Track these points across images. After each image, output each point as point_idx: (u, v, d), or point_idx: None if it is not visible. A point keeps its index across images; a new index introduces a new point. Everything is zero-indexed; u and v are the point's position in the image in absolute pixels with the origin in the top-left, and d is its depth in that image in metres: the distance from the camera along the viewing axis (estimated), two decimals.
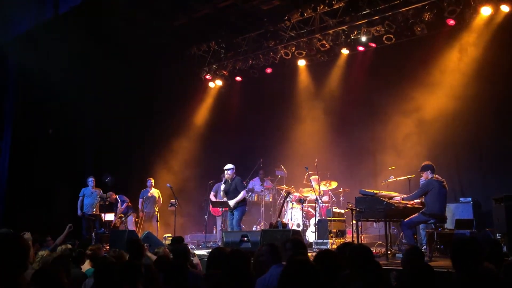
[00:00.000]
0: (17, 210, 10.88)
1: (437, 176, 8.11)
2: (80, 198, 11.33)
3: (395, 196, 8.28)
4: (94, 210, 11.36)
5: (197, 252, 8.20)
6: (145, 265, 4.17)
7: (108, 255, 6.14)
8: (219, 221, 11.39)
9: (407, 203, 8.19)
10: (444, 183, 8.01)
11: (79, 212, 11.29)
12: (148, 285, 3.85)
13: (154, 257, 6.38)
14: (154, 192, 11.98)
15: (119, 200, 11.77)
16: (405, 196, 8.35)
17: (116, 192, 11.79)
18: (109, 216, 11.82)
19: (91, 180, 11.44)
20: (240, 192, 9.79)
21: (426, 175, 8.17)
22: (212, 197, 11.21)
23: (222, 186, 10.11)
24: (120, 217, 11.76)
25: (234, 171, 10.01)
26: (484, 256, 3.65)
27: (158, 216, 11.78)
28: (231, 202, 9.75)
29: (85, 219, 11.29)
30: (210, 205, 11.31)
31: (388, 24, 10.36)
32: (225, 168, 10.00)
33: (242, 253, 3.98)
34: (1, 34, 11.25)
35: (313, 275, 3.02)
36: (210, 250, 9.12)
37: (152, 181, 12.01)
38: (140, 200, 11.97)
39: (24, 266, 2.91)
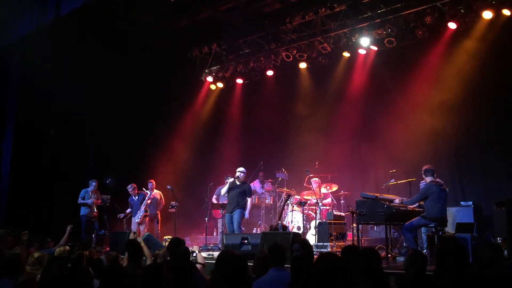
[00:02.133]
0: (18, 210, 10.87)
1: (436, 179, 8.11)
2: (80, 199, 11.33)
3: (395, 199, 8.28)
4: (94, 212, 11.36)
5: None
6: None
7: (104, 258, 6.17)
8: (220, 223, 11.38)
9: (407, 206, 8.19)
10: (444, 186, 8.01)
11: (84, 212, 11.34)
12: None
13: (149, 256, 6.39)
14: (156, 194, 11.96)
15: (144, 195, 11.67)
16: (405, 199, 8.35)
17: (122, 192, 11.78)
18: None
19: (93, 184, 11.45)
20: (246, 197, 9.88)
21: (428, 179, 8.17)
22: (214, 200, 11.24)
23: (231, 179, 10.05)
24: (145, 216, 11.61)
25: (245, 175, 10.04)
26: (468, 260, 3.63)
27: (160, 217, 11.75)
28: (246, 214, 9.93)
29: (84, 221, 11.28)
30: (210, 207, 11.32)
31: (389, 27, 10.37)
32: (239, 169, 10.05)
33: (237, 257, 3.96)
34: (3, 36, 11.27)
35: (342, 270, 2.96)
36: (210, 252, 9.18)
37: (153, 183, 12.00)
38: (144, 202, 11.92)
39: None
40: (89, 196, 11.36)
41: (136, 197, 11.69)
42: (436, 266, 3.59)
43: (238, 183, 9.94)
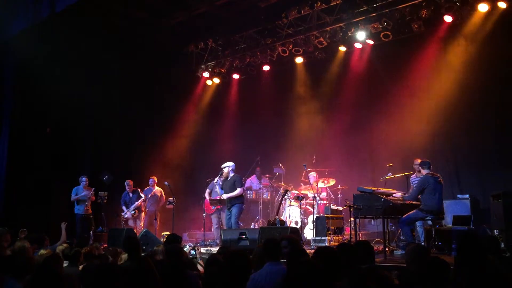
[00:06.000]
0: (15, 208, 10.85)
1: (432, 172, 8.13)
2: (73, 197, 11.26)
3: (395, 193, 8.32)
4: (84, 211, 11.30)
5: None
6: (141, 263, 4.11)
7: (106, 253, 6.19)
8: (214, 220, 11.37)
9: (405, 200, 8.22)
10: (439, 179, 8.04)
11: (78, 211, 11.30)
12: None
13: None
14: (157, 191, 11.95)
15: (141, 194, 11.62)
16: (406, 194, 8.35)
17: (112, 189, 11.75)
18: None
19: (84, 180, 11.38)
20: (237, 189, 9.79)
21: (424, 171, 8.20)
22: (206, 195, 11.20)
23: (216, 179, 10.04)
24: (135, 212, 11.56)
25: (230, 168, 10.00)
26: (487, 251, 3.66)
27: (155, 214, 11.71)
28: (224, 196, 9.77)
29: (79, 219, 11.24)
30: (205, 202, 11.32)
31: (385, 21, 10.35)
32: (222, 166, 10.01)
33: (242, 254, 3.96)
34: None
35: (317, 276, 3.00)
36: (208, 248, 9.19)
37: (155, 179, 11.98)
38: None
39: None
40: (82, 191, 11.29)
41: (131, 194, 11.67)
42: (456, 262, 3.60)
43: (227, 178, 9.92)
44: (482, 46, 9.95)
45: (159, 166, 12.86)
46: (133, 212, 11.49)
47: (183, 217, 12.48)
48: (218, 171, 10.31)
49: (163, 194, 11.96)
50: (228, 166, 9.96)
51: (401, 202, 8.21)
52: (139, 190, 11.69)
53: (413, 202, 8.26)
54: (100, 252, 6.67)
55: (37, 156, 11.57)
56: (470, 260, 3.48)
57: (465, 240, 3.63)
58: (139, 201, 11.53)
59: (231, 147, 13.25)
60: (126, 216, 11.46)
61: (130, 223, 11.51)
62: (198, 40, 13.14)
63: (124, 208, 11.63)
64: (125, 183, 11.67)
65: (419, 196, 8.14)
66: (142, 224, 11.53)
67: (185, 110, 13.92)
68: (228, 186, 9.84)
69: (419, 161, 8.79)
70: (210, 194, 11.13)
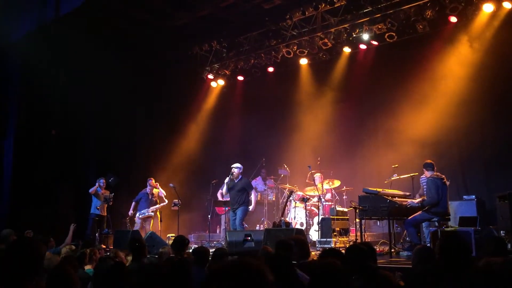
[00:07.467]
0: (21, 209, 10.86)
1: (437, 173, 8.10)
2: (91, 189, 11.29)
3: (412, 201, 8.25)
4: (100, 211, 11.33)
5: None
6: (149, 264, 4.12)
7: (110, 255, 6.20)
8: (223, 220, 11.40)
9: (411, 201, 8.20)
10: (444, 180, 8.01)
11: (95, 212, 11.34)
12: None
13: None
14: (155, 192, 11.94)
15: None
16: (425, 200, 8.18)
17: (117, 191, 11.77)
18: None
19: (102, 181, 11.41)
20: (248, 192, 9.88)
21: (428, 173, 8.17)
22: (219, 196, 11.24)
23: (227, 179, 10.07)
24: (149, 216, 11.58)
25: (241, 170, 10.03)
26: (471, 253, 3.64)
27: (160, 215, 11.71)
28: (251, 207, 9.96)
29: (92, 218, 11.26)
30: (213, 204, 11.34)
31: (390, 22, 10.34)
32: (233, 166, 10.03)
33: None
34: (3, 36, 11.26)
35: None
36: (213, 249, 9.18)
37: (153, 180, 11.97)
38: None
39: (35, 272, 2.88)
40: (101, 190, 11.32)
41: (151, 196, 11.63)
42: (439, 263, 3.59)
43: (235, 180, 9.94)
44: (487, 46, 9.92)
45: (164, 167, 12.87)
46: (152, 212, 11.48)
47: (188, 218, 12.47)
48: (223, 172, 10.33)
49: (159, 194, 11.90)
50: (238, 168, 10.01)
51: (406, 203, 8.19)
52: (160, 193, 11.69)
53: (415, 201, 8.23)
54: (102, 254, 6.69)
55: (42, 157, 11.60)
56: (454, 261, 3.46)
57: (448, 241, 3.63)
58: (156, 206, 11.50)
59: (236, 149, 13.26)
60: (146, 214, 11.41)
61: (138, 222, 11.49)
62: (202, 42, 13.16)
63: (133, 205, 11.59)
64: (148, 181, 11.60)
65: (425, 197, 8.11)
66: (151, 226, 11.53)
67: (190, 112, 13.93)
68: (237, 188, 9.87)
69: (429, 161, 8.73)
70: (222, 195, 11.16)
